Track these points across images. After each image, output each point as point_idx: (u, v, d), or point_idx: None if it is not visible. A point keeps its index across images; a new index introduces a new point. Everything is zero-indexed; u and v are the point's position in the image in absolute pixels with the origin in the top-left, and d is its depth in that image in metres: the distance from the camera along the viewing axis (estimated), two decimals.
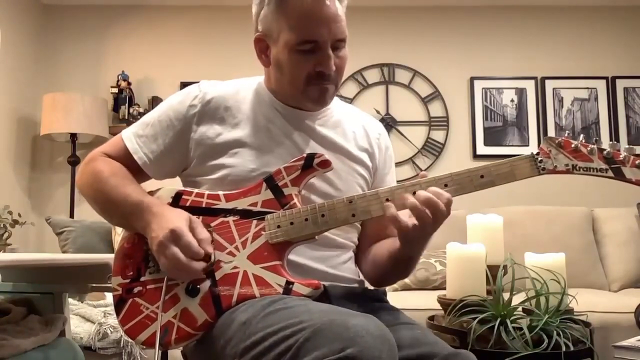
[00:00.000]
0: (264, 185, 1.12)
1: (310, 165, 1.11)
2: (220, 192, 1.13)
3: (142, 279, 1.11)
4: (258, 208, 1.11)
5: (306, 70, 1.13)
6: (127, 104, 3.67)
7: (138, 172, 1.21)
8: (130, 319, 1.09)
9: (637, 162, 1.02)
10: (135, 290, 1.10)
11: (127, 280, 1.11)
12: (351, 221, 1.10)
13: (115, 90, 3.70)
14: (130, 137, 1.23)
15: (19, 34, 3.61)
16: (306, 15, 1.10)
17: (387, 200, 1.06)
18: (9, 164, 3.53)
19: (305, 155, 1.12)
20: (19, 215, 3.06)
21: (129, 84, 3.71)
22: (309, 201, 1.14)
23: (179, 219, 1.06)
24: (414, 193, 1.04)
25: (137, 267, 1.12)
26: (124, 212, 1.13)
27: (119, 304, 1.11)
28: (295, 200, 1.10)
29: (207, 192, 1.14)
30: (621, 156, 1.02)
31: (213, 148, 1.17)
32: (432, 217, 1.02)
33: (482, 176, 1.06)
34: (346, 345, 0.81)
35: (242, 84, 1.26)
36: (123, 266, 1.13)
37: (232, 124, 1.19)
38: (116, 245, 3.06)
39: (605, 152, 1.03)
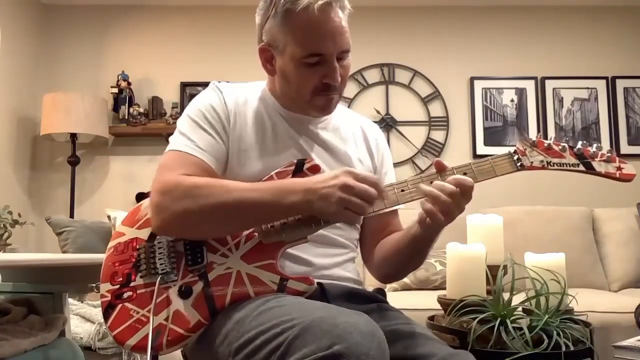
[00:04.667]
0: None
1: (301, 170, 1.14)
2: None
3: (132, 284, 1.10)
4: None
5: (313, 82, 1.16)
6: (127, 104, 3.67)
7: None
8: (119, 323, 1.08)
9: (605, 156, 1.14)
10: (125, 295, 1.09)
11: (117, 286, 1.10)
12: None
13: (115, 90, 3.70)
14: (187, 145, 1.14)
15: (19, 34, 3.61)
16: (312, 28, 1.11)
17: (383, 199, 1.08)
18: (9, 164, 3.53)
19: (295, 161, 1.14)
20: (19, 215, 3.06)
21: (129, 84, 3.71)
22: None
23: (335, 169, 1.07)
24: (431, 183, 1.08)
25: (127, 272, 1.11)
26: (263, 203, 1.04)
27: (107, 310, 1.09)
28: None
29: None
30: (590, 151, 1.14)
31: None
32: (454, 205, 1.06)
33: (465, 173, 1.11)
34: (334, 342, 0.82)
35: (247, 89, 1.27)
36: (112, 273, 1.12)
37: (240, 127, 1.20)
38: None
39: (575, 149, 1.14)
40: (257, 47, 1.21)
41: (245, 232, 1.11)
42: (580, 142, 1.15)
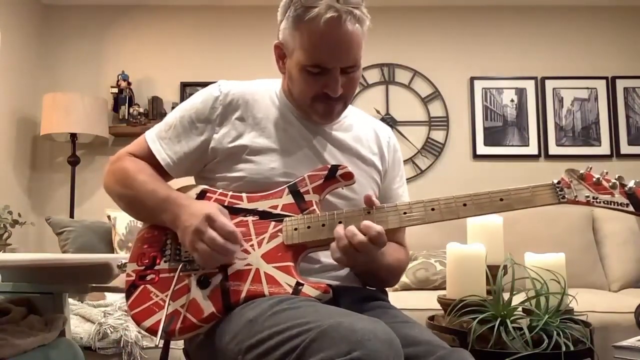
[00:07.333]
0: (287, 190, 1.16)
1: (333, 176, 1.15)
2: (244, 194, 1.16)
3: (157, 267, 1.13)
4: (278, 211, 1.14)
5: (314, 89, 1.17)
6: (127, 104, 3.67)
7: (163, 172, 1.24)
8: (139, 304, 1.11)
9: None
10: (148, 277, 1.13)
11: (142, 268, 1.14)
12: None
13: (115, 90, 3.70)
14: (154, 138, 1.25)
15: (19, 34, 3.61)
16: (318, 40, 1.12)
17: (405, 213, 1.09)
18: (9, 164, 3.53)
19: (329, 166, 1.16)
20: (19, 215, 3.06)
21: (129, 84, 3.71)
22: (326, 201, 1.17)
23: (210, 206, 1.09)
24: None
25: (153, 255, 1.15)
26: (151, 207, 1.16)
27: (130, 289, 1.13)
28: (315, 207, 1.13)
29: (230, 192, 1.17)
30: None
31: (234, 148, 1.20)
32: (359, 251, 1.04)
33: (501, 199, 1.08)
34: (352, 348, 0.82)
35: (261, 86, 1.28)
36: (140, 253, 1.16)
37: (252, 125, 1.22)
38: (116, 245, 3.04)
39: (627, 188, 1.05)
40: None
41: (270, 231, 1.12)
42: (633, 181, 1.06)
